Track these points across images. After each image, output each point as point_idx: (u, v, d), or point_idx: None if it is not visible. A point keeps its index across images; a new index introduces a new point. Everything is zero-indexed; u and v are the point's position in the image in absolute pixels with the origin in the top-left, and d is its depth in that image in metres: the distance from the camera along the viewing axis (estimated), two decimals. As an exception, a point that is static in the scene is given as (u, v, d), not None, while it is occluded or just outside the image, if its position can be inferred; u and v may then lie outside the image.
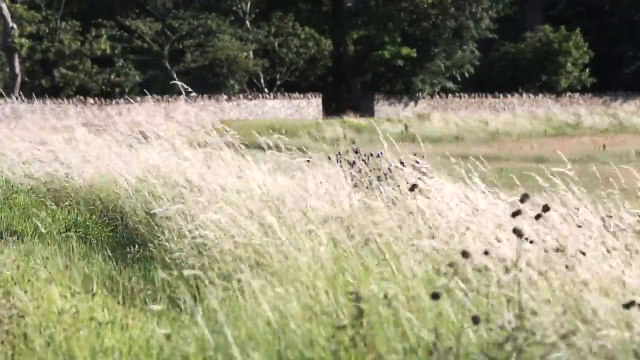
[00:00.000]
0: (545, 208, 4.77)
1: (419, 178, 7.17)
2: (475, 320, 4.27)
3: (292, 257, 6.11)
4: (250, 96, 51.47)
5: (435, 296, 4.47)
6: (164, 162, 11.04)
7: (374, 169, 8.40)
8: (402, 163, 7.74)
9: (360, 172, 8.28)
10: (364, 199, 7.14)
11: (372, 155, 8.89)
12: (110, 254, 9.10)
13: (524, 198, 4.76)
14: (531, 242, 4.93)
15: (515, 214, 4.67)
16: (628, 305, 4.22)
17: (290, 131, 36.66)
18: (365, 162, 8.74)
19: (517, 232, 4.51)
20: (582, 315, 4.50)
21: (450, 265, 4.81)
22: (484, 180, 6.97)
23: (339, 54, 56.85)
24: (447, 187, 7.18)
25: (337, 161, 9.01)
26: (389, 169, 8.05)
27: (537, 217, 4.95)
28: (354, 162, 8.80)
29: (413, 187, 6.51)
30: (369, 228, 6.43)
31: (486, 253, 4.75)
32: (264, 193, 8.02)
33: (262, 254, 6.58)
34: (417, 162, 7.77)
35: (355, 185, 7.93)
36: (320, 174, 8.01)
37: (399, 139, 9.52)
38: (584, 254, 4.87)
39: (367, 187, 7.80)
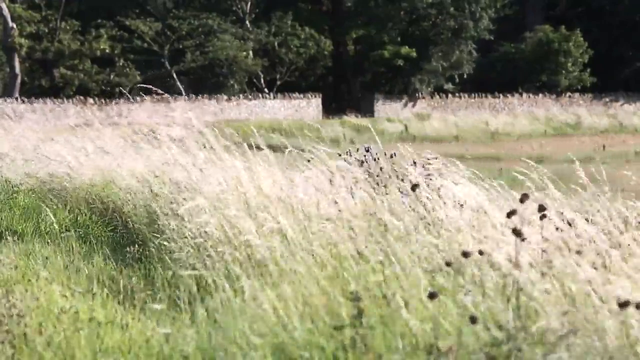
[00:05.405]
0: (541, 208, 4.78)
1: (426, 178, 7.16)
2: (473, 320, 4.27)
3: (293, 257, 6.11)
4: (250, 96, 51.47)
5: (432, 296, 4.47)
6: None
7: (382, 169, 8.29)
8: (414, 163, 7.70)
9: (378, 175, 8.11)
10: (369, 197, 7.10)
11: (385, 154, 8.75)
12: (110, 254, 9.09)
13: (523, 198, 4.76)
14: (524, 239, 4.91)
15: (511, 213, 4.67)
16: (623, 305, 4.22)
17: (290, 131, 36.63)
18: (375, 161, 8.63)
19: (517, 232, 4.51)
20: (582, 316, 4.49)
21: (448, 264, 4.81)
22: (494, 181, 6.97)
23: (339, 54, 56.86)
24: (450, 187, 7.18)
25: (345, 160, 8.89)
26: (394, 169, 7.99)
27: (542, 215, 4.94)
28: (366, 161, 8.67)
29: (414, 187, 6.51)
30: (371, 228, 6.42)
31: (481, 253, 4.75)
32: (270, 194, 7.99)
33: (264, 254, 6.57)
34: (415, 164, 7.76)
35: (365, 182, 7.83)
36: (325, 175, 7.97)
37: (399, 139, 9.50)
38: (579, 252, 4.86)
39: (376, 185, 7.72)
